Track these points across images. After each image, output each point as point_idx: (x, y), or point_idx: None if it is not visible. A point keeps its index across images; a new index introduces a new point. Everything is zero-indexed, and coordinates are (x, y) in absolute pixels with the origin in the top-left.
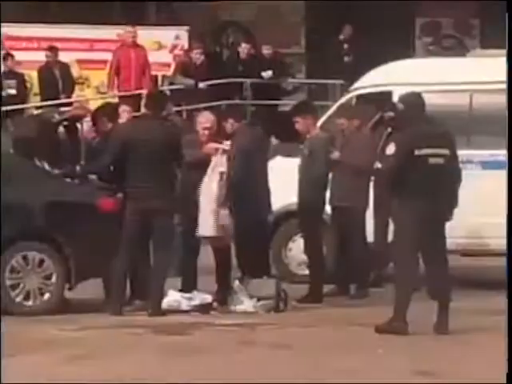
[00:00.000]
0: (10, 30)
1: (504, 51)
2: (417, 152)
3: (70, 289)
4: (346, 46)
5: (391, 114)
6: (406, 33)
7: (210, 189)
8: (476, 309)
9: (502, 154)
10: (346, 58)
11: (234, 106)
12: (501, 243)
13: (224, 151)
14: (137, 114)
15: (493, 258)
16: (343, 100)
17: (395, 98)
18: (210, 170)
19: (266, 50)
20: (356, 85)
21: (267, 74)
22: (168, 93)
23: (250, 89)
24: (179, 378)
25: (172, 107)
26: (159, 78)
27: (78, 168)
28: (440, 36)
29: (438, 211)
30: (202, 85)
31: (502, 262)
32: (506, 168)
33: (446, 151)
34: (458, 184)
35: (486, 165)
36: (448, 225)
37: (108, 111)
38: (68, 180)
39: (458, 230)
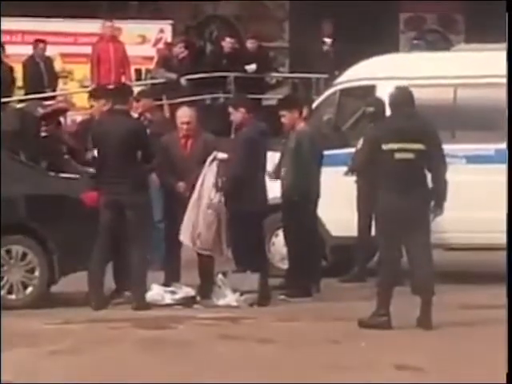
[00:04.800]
0: None
1: (488, 45)
2: (384, 147)
3: (53, 283)
4: (329, 40)
5: (371, 109)
6: (390, 27)
7: (197, 195)
8: (460, 303)
9: (486, 148)
10: (329, 53)
11: (247, 97)
12: (485, 237)
13: (214, 160)
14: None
15: (477, 252)
16: (327, 94)
17: (378, 93)
18: (200, 179)
19: (251, 44)
20: (340, 79)
21: (251, 67)
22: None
23: (233, 83)
24: (160, 371)
25: (152, 102)
26: (143, 72)
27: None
28: (424, 31)
29: (411, 206)
30: (183, 79)
31: (487, 256)
32: (497, 162)
33: (418, 146)
34: (439, 179)
35: (471, 159)
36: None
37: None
38: (51, 173)
39: (441, 224)
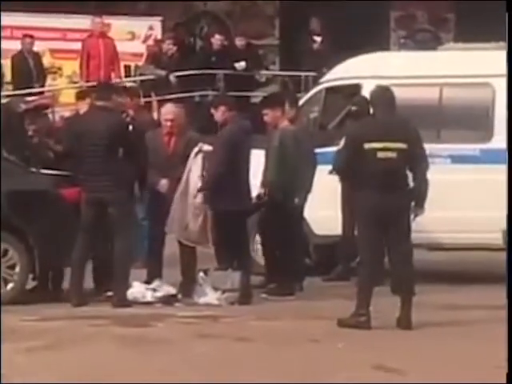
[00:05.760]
0: None
1: (475, 45)
2: (366, 146)
3: (34, 279)
4: (318, 38)
5: (355, 108)
6: (381, 26)
7: (183, 187)
8: (444, 303)
9: (471, 148)
10: (319, 51)
11: (226, 95)
12: (469, 237)
13: (199, 152)
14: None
15: (461, 252)
16: (313, 92)
17: (364, 91)
18: (186, 172)
19: (240, 42)
20: (326, 77)
21: (240, 65)
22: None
23: (223, 80)
24: (138, 369)
25: (138, 99)
26: (132, 69)
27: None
28: (415, 30)
29: (392, 206)
30: (172, 76)
31: (471, 255)
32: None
33: (400, 145)
34: (420, 178)
35: (456, 159)
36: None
37: None
38: (32, 169)
39: (425, 224)
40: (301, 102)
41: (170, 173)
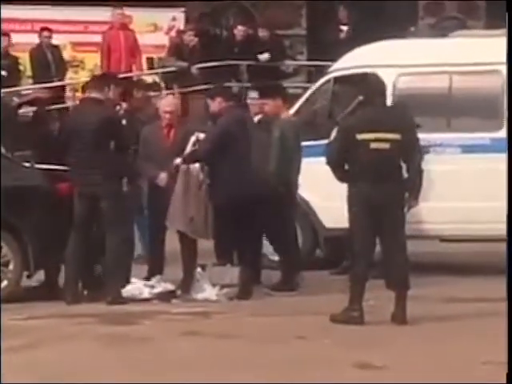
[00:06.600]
0: (3, 11)
1: (485, 32)
2: (358, 136)
3: (28, 276)
4: (345, 27)
5: (361, 97)
6: (408, 14)
7: (184, 180)
8: (441, 297)
9: (481, 137)
10: (346, 40)
11: (223, 86)
12: (481, 228)
13: (196, 142)
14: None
15: (473, 243)
16: (321, 82)
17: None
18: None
19: (263, 32)
20: (334, 66)
21: (263, 56)
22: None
23: (246, 72)
24: (118, 369)
25: (143, 92)
26: (155, 61)
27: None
28: (443, 17)
29: (386, 198)
30: (195, 67)
31: (480, 247)
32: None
33: (394, 136)
34: (414, 169)
35: (466, 148)
36: (427, 210)
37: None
38: (26, 165)
39: (436, 214)
40: (309, 92)
41: (169, 165)
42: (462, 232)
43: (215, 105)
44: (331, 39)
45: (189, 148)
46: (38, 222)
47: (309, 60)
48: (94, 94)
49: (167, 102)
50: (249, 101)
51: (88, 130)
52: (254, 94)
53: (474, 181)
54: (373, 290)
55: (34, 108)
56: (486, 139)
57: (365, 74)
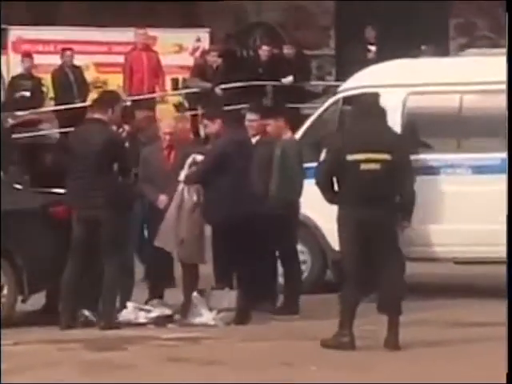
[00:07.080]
0: (27, 32)
1: (496, 50)
2: (349, 157)
3: (23, 301)
4: (373, 47)
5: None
6: (439, 34)
7: (178, 200)
8: (435, 321)
9: (492, 157)
10: (375, 60)
11: (221, 109)
12: (493, 250)
13: (192, 164)
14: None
15: (482, 265)
16: (330, 102)
17: (382, 101)
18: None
19: (288, 50)
20: (343, 86)
21: (287, 79)
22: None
23: (272, 92)
24: None
25: (147, 113)
26: (179, 81)
27: None
28: (474, 37)
29: (377, 220)
30: (219, 88)
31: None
32: (503, 172)
33: (385, 156)
34: (406, 190)
35: (477, 169)
36: (439, 232)
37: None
38: (19, 187)
39: (449, 236)
40: (318, 113)
41: (170, 187)
42: (475, 254)
43: (214, 126)
44: (359, 59)
45: (185, 169)
46: (32, 246)
47: (337, 80)
48: (98, 115)
49: (168, 124)
50: (247, 122)
51: (91, 152)
52: (251, 116)
53: (486, 202)
54: (369, 314)
55: (28, 129)
56: (497, 160)
57: (363, 94)
